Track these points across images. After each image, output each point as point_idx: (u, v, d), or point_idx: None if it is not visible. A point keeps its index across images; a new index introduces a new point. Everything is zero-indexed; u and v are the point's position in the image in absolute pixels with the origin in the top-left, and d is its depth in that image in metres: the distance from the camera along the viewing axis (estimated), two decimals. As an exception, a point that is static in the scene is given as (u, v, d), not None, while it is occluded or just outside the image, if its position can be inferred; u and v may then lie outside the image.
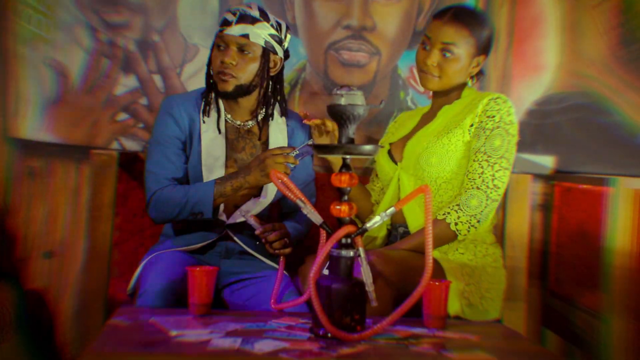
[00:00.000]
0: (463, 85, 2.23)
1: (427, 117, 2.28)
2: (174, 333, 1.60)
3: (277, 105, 2.25)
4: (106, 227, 2.34)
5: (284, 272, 2.13)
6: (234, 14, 2.13)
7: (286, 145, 2.25)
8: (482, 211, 2.07)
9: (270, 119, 2.24)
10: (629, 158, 2.76)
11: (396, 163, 2.22)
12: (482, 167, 2.08)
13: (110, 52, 2.71)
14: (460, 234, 2.07)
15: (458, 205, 2.07)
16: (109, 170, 2.35)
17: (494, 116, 2.10)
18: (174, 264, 2.05)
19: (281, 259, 2.05)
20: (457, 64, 2.15)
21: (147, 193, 2.15)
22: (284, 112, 2.25)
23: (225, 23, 2.13)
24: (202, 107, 2.19)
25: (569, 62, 2.80)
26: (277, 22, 2.17)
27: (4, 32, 2.64)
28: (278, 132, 2.24)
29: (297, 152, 2.01)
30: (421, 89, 2.61)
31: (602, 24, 2.77)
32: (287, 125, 2.27)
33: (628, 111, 2.76)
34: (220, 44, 2.13)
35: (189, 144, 2.18)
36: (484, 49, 2.19)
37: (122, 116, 2.72)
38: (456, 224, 2.05)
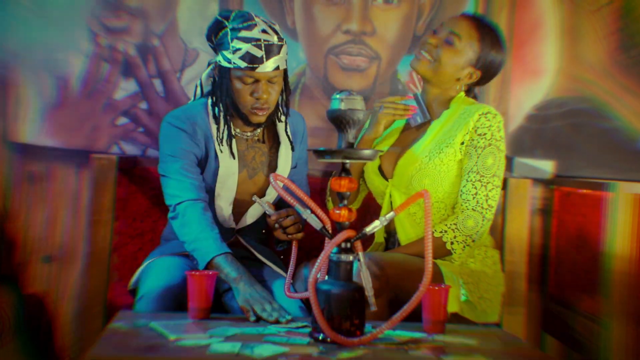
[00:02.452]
0: (451, 97, 2.22)
1: (416, 128, 2.24)
2: (173, 337, 1.60)
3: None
4: (106, 231, 2.34)
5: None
6: (258, 47, 2.04)
7: (290, 155, 2.24)
8: (477, 232, 2.08)
9: (275, 122, 2.23)
10: (628, 163, 2.76)
11: (386, 179, 2.22)
12: (475, 188, 2.08)
13: (110, 57, 2.71)
14: (455, 252, 2.08)
15: (455, 224, 2.07)
16: (109, 175, 2.35)
17: (485, 134, 2.10)
18: (174, 268, 2.05)
19: (294, 244, 2.03)
20: (453, 56, 2.16)
21: (171, 199, 2.09)
22: (286, 113, 2.23)
23: (254, 60, 2.03)
24: (217, 132, 2.14)
25: (568, 67, 2.80)
26: (279, 30, 2.12)
27: (4, 36, 2.65)
28: (283, 134, 2.24)
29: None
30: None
31: (602, 28, 2.77)
32: (291, 125, 2.27)
33: (627, 116, 2.76)
34: (248, 81, 2.07)
35: (205, 160, 2.15)
36: (484, 66, 2.19)
37: (122, 120, 2.72)
38: (452, 243, 2.06)
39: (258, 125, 2.15)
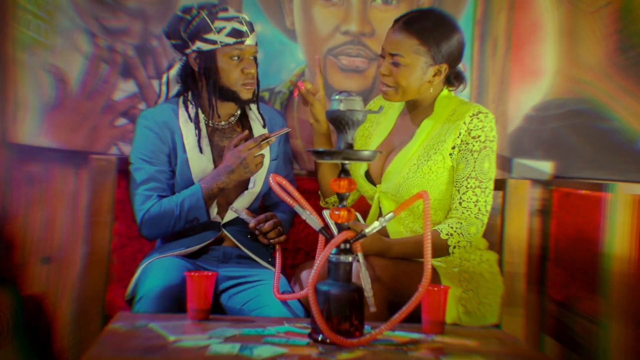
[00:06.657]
0: (434, 97, 2.15)
1: (404, 128, 2.21)
2: (172, 339, 1.60)
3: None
4: (104, 232, 2.34)
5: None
6: (240, 23, 2.15)
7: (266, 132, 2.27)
8: (476, 237, 2.08)
9: (248, 112, 2.27)
10: (627, 164, 2.76)
11: (374, 184, 2.19)
12: (476, 195, 2.06)
13: (109, 58, 2.71)
14: (453, 254, 2.07)
15: (460, 229, 2.04)
16: (108, 176, 2.35)
17: (479, 136, 2.06)
18: (172, 269, 2.05)
19: (277, 248, 2.05)
20: (408, 73, 2.06)
21: (137, 214, 2.17)
22: (257, 103, 2.30)
23: (241, 34, 2.14)
24: (182, 115, 2.21)
25: (567, 68, 2.80)
26: None
27: (3, 37, 2.64)
28: (257, 123, 2.28)
29: (273, 137, 2.11)
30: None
31: (600, 30, 2.77)
32: (262, 114, 2.30)
33: (626, 117, 2.76)
34: (236, 55, 2.15)
35: (174, 156, 2.19)
36: (444, 57, 2.07)
37: (121, 121, 2.72)
38: (455, 247, 2.04)
39: (248, 101, 2.21)
